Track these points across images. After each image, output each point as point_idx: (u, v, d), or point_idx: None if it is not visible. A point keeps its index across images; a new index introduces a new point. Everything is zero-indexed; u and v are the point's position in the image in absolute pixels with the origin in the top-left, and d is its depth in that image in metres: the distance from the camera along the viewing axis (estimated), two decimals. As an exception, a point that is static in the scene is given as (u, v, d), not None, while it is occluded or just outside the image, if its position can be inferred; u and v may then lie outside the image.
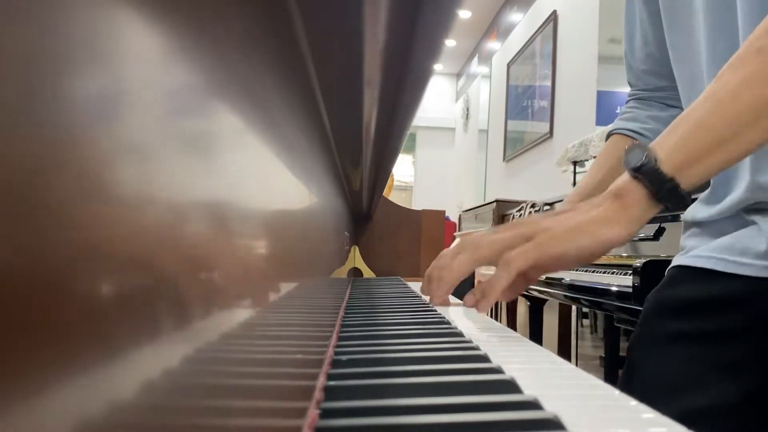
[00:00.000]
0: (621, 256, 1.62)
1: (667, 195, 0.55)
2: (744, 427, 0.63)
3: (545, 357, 0.51)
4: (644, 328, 0.71)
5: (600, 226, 0.56)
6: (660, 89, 0.86)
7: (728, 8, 0.66)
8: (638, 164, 0.55)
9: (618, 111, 1.11)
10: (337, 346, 0.49)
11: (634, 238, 1.58)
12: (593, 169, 0.88)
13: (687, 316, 0.67)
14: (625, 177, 0.56)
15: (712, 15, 0.69)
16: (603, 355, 2.68)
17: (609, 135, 0.91)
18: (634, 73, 0.90)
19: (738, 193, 0.65)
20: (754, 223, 0.63)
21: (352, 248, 1.40)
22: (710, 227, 0.70)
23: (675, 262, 0.72)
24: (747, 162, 0.63)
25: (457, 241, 0.65)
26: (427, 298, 0.87)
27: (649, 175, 0.54)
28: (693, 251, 0.69)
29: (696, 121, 0.54)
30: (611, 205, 0.56)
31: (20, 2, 0.08)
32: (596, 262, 1.96)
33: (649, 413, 0.34)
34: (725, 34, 0.67)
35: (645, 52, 0.85)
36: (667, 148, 0.55)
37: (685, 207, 0.55)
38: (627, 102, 0.93)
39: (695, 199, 0.75)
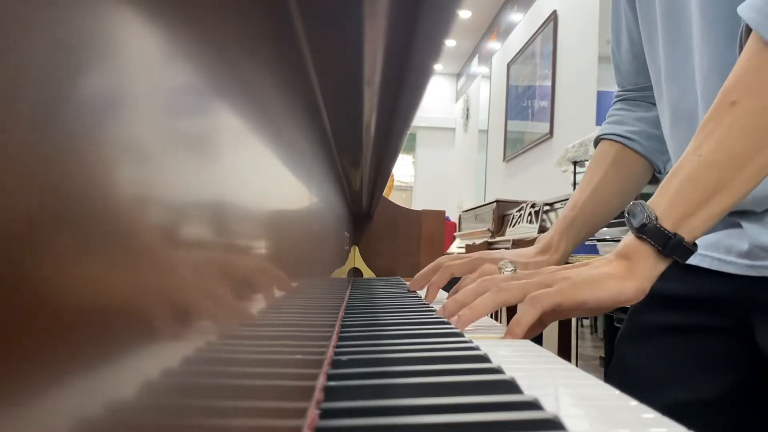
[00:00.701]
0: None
1: (673, 250, 0.57)
2: (727, 420, 0.64)
3: (545, 357, 0.51)
4: (631, 321, 0.72)
5: (613, 281, 0.58)
6: (647, 89, 0.86)
7: (682, 12, 0.68)
8: (641, 224, 0.57)
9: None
10: (337, 346, 0.49)
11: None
12: (584, 182, 0.89)
13: (672, 311, 0.68)
14: (630, 237, 0.59)
15: (668, 21, 0.71)
16: (603, 355, 2.68)
17: (597, 139, 0.91)
18: (622, 73, 0.91)
19: None
20: (738, 224, 0.64)
21: (352, 248, 1.40)
22: None
23: None
24: None
25: (479, 278, 0.68)
26: (422, 293, 0.88)
27: (652, 233, 0.57)
28: None
29: (687, 175, 0.56)
30: (621, 264, 0.59)
31: (20, 2, 0.08)
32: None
33: (649, 413, 0.34)
34: (679, 41, 0.69)
35: (632, 52, 0.86)
36: (663, 206, 0.57)
37: (690, 257, 0.58)
38: (614, 103, 0.93)
39: None
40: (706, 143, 0.56)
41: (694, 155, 0.57)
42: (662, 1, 0.72)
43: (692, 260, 0.67)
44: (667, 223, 0.57)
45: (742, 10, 0.55)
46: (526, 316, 0.60)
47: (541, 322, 0.64)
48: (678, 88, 0.72)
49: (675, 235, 0.56)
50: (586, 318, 3.83)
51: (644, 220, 0.57)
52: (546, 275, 0.63)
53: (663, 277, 0.71)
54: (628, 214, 0.60)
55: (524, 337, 0.62)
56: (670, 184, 0.58)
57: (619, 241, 1.79)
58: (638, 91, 0.88)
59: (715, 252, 0.66)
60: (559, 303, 0.59)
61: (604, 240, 2.06)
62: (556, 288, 0.60)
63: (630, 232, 0.59)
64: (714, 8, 0.63)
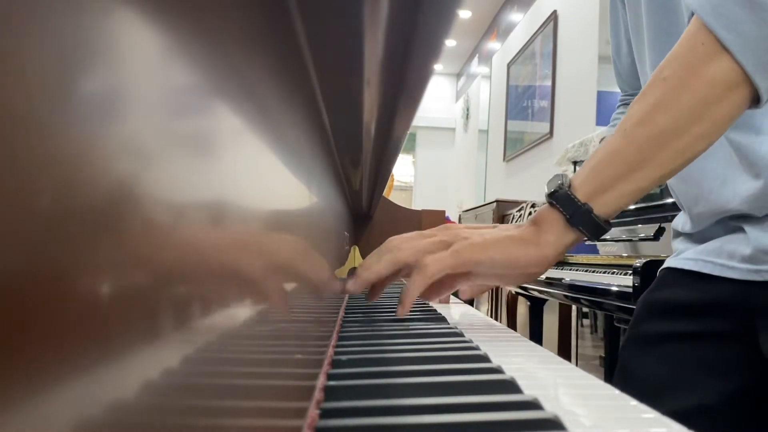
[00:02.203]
0: (621, 257, 1.62)
1: (581, 220, 0.56)
2: (731, 426, 0.64)
3: (545, 357, 0.51)
4: (634, 329, 0.72)
5: (515, 244, 0.58)
6: None
7: (669, 10, 0.68)
8: (552, 190, 0.57)
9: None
10: (337, 346, 0.49)
11: (634, 238, 1.58)
12: None
13: (675, 317, 0.68)
14: (544, 204, 0.59)
15: (656, 22, 0.71)
16: (603, 355, 2.68)
17: (601, 141, 0.92)
18: (623, 78, 0.92)
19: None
20: (741, 229, 0.64)
21: (352, 248, 1.40)
22: (698, 234, 0.71)
23: (665, 263, 0.74)
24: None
25: (386, 241, 0.68)
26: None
27: (562, 200, 0.57)
28: (683, 254, 0.71)
29: (609, 149, 0.56)
30: (528, 229, 0.59)
31: (20, 2, 0.08)
32: (596, 262, 1.96)
33: (649, 413, 0.34)
34: (663, 42, 0.69)
35: (631, 57, 0.86)
36: (582, 176, 0.57)
37: (601, 234, 0.57)
38: (617, 107, 0.95)
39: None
40: (630, 119, 0.55)
41: (619, 130, 0.56)
42: (649, 19, 0.73)
43: (694, 266, 0.67)
44: (580, 193, 0.56)
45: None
46: (414, 284, 0.60)
47: (452, 284, 0.64)
48: None
49: (584, 204, 0.56)
50: (586, 317, 3.83)
51: (557, 187, 0.57)
52: (448, 232, 0.63)
53: (665, 284, 0.71)
54: (548, 182, 0.59)
55: (438, 301, 0.62)
56: (593, 158, 0.57)
57: (619, 240, 1.79)
58: None
59: (718, 257, 0.65)
60: (450, 266, 0.59)
61: (604, 240, 2.06)
62: (451, 250, 0.59)
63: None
64: None
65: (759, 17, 0.49)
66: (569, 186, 0.57)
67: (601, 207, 0.56)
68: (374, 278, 0.65)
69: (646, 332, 0.71)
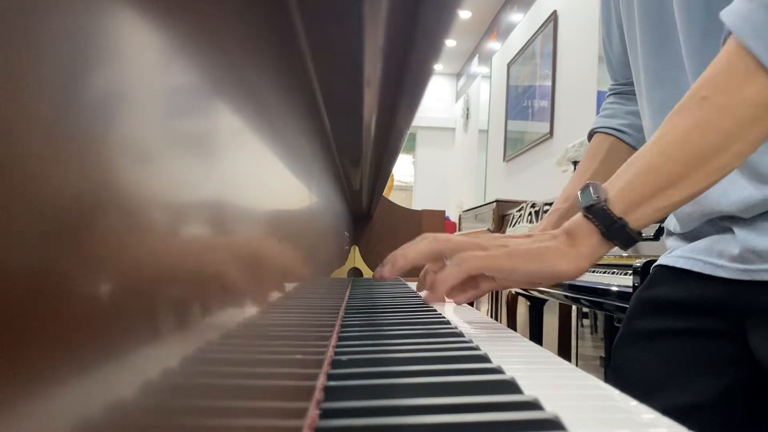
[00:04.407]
0: (621, 257, 1.63)
1: (616, 234, 0.57)
2: (722, 423, 0.64)
3: (545, 357, 0.51)
4: (627, 326, 0.73)
5: (551, 256, 0.59)
6: None
7: (662, 20, 0.69)
8: (589, 204, 0.58)
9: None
10: (337, 346, 0.49)
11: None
12: (578, 173, 0.90)
13: (666, 316, 0.69)
14: (578, 215, 0.60)
15: (648, 28, 0.72)
16: (603, 355, 2.68)
17: (591, 133, 0.93)
18: (614, 67, 0.92)
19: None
20: (729, 229, 0.64)
21: (352, 248, 1.40)
22: (689, 233, 0.71)
23: (658, 261, 0.75)
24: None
25: (422, 235, 0.69)
26: (422, 293, 0.88)
27: (598, 214, 0.58)
28: (674, 251, 0.72)
29: (645, 163, 0.57)
30: (563, 240, 0.60)
31: (20, 2, 0.08)
32: (596, 262, 1.96)
33: (649, 413, 0.34)
34: (663, 48, 0.70)
35: (622, 45, 0.86)
36: (617, 189, 0.58)
37: (633, 245, 0.58)
38: (607, 97, 0.95)
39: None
40: (669, 135, 0.56)
41: (656, 145, 0.57)
42: (641, 11, 0.73)
43: (684, 264, 0.68)
44: (616, 207, 0.57)
45: (724, 15, 0.55)
46: (449, 274, 0.61)
47: (477, 286, 0.65)
48: (660, 94, 0.72)
49: (620, 219, 0.57)
50: (586, 317, 3.83)
51: (593, 200, 0.58)
52: (486, 238, 0.64)
53: (657, 281, 0.72)
54: (581, 193, 0.60)
55: (456, 301, 0.64)
56: (627, 170, 0.58)
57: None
58: (630, 85, 0.88)
59: (707, 256, 0.66)
60: (487, 267, 0.60)
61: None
62: (488, 252, 0.61)
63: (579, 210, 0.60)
64: (700, 23, 0.64)
65: None
66: (605, 200, 0.57)
67: (635, 221, 0.57)
68: (410, 265, 0.65)
69: (638, 329, 0.71)
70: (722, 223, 0.66)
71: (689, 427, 0.31)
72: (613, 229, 0.57)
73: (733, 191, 0.62)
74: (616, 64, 0.91)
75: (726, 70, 0.54)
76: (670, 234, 0.77)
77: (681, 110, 0.56)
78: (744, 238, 0.61)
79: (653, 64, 0.73)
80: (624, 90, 0.91)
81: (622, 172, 0.59)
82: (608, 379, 0.74)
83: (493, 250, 0.61)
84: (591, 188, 0.59)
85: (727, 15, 0.55)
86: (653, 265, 0.76)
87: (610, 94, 0.94)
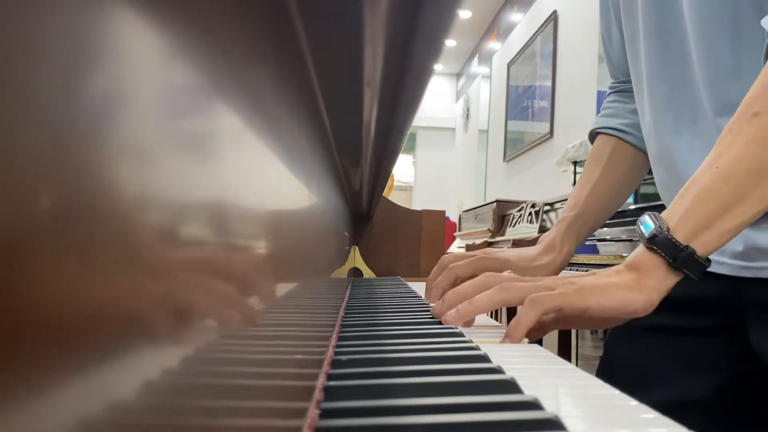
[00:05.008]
0: (621, 257, 1.62)
1: (684, 263, 0.55)
2: (713, 421, 0.64)
3: (545, 357, 0.51)
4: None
5: (621, 291, 0.56)
6: None
7: (669, 14, 0.68)
8: (651, 235, 0.55)
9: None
10: (337, 346, 0.49)
11: (634, 238, 1.58)
12: (583, 179, 0.88)
13: (665, 311, 0.69)
14: (641, 248, 0.57)
15: (652, 15, 0.71)
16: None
17: (592, 133, 0.91)
18: (614, 64, 0.91)
19: None
20: None
21: (352, 248, 1.40)
22: None
23: None
24: None
25: (482, 275, 0.66)
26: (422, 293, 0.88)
27: (663, 245, 0.55)
28: None
29: (703, 186, 0.55)
30: (628, 275, 0.57)
31: (20, 2, 0.08)
32: (596, 262, 1.96)
33: (649, 413, 0.34)
34: (669, 44, 0.69)
35: (622, 41, 0.85)
36: (677, 217, 0.55)
37: (703, 272, 0.56)
38: (608, 95, 0.93)
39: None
40: (724, 155, 0.54)
41: (711, 167, 0.55)
42: (645, 11, 0.72)
43: None
44: (680, 235, 0.55)
45: (766, 22, 0.54)
46: (525, 317, 0.58)
47: (543, 326, 0.63)
48: (662, 90, 0.71)
49: (687, 247, 0.55)
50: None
51: (655, 231, 0.56)
52: (551, 280, 0.62)
53: None
54: (640, 224, 0.58)
55: (530, 336, 0.60)
56: (685, 196, 0.56)
57: (619, 241, 1.78)
58: (630, 83, 0.88)
59: None
60: (561, 306, 0.58)
61: (604, 240, 2.06)
62: (558, 291, 0.58)
63: (641, 244, 0.58)
64: (712, 16, 0.63)
65: None
66: (668, 229, 0.56)
67: (702, 246, 0.55)
68: (476, 314, 0.62)
69: (631, 324, 0.71)
70: None
71: (682, 423, 0.31)
72: (681, 258, 0.55)
73: None
74: (616, 60, 0.89)
75: None
76: None
77: (733, 128, 0.55)
78: (747, 235, 0.61)
79: (657, 59, 0.71)
80: (625, 88, 0.90)
81: (679, 199, 0.57)
82: (599, 372, 0.73)
83: (561, 288, 0.59)
84: (649, 218, 0.57)
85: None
86: None
87: (611, 93, 0.92)
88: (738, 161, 0.53)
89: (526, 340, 0.61)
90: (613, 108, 0.90)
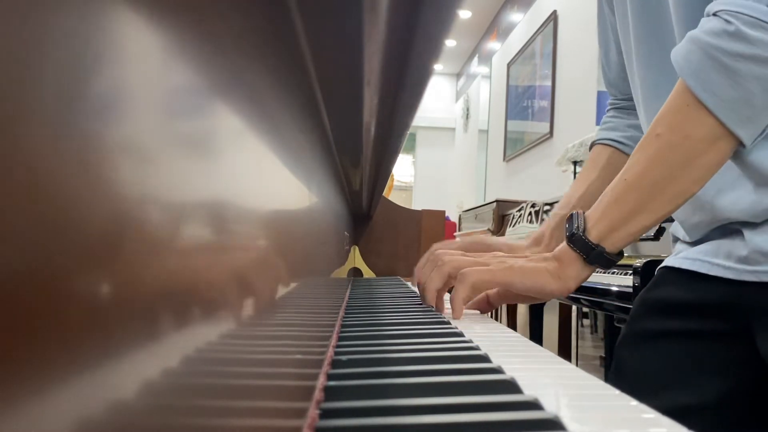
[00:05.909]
0: (621, 256, 1.62)
1: (596, 259, 0.67)
2: (724, 425, 0.64)
3: (545, 357, 0.51)
4: (631, 327, 0.73)
5: (543, 276, 0.69)
6: None
7: (658, 11, 0.71)
8: (570, 234, 0.68)
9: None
10: (337, 346, 0.49)
11: (641, 237, 1.58)
12: (579, 180, 0.93)
13: (672, 317, 0.70)
14: (564, 243, 0.69)
15: (642, 29, 0.73)
16: (603, 355, 2.68)
17: (592, 145, 0.96)
18: (611, 82, 0.95)
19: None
20: (738, 232, 0.65)
21: (352, 248, 1.40)
22: (698, 241, 0.72)
23: (664, 262, 0.76)
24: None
25: (429, 251, 0.82)
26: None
27: (578, 243, 0.67)
28: (681, 253, 0.73)
29: (615, 195, 0.65)
30: (553, 263, 0.70)
31: (20, 2, 0.08)
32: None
33: (649, 413, 0.34)
34: (659, 65, 0.71)
35: (620, 63, 0.88)
36: (593, 219, 0.67)
37: (613, 265, 0.68)
38: (607, 111, 0.98)
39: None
40: (632, 169, 0.64)
41: (622, 178, 0.65)
42: (635, 25, 0.76)
43: (691, 266, 0.69)
44: (592, 236, 0.66)
45: (672, 54, 0.61)
46: (456, 290, 0.70)
47: (489, 300, 0.77)
48: (657, 107, 0.73)
49: (597, 246, 0.66)
50: (586, 317, 3.83)
51: (574, 230, 0.67)
52: (487, 257, 0.74)
53: (663, 283, 0.72)
54: (567, 222, 0.69)
55: (473, 307, 0.75)
56: (602, 201, 0.67)
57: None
58: (630, 100, 0.90)
59: (714, 258, 0.66)
60: (487, 280, 0.70)
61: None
62: (488, 267, 0.70)
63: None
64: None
65: (734, 81, 0.56)
66: (584, 230, 0.66)
67: (612, 245, 0.66)
68: (435, 295, 0.76)
69: (642, 329, 0.72)
70: (732, 226, 0.66)
71: (692, 427, 0.31)
72: (593, 255, 0.66)
73: (745, 199, 0.63)
74: (614, 81, 0.94)
75: (675, 110, 0.61)
76: (677, 239, 0.78)
77: (642, 146, 0.64)
78: (753, 240, 0.62)
79: (651, 78, 0.75)
80: (624, 105, 0.94)
81: (597, 203, 0.67)
82: (609, 379, 0.74)
83: (495, 265, 0.70)
84: (574, 218, 0.68)
85: (673, 55, 0.61)
86: (658, 267, 0.76)
87: (610, 109, 0.96)
88: (641, 176, 0.63)
89: (478, 312, 0.78)
90: (612, 123, 0.94)
